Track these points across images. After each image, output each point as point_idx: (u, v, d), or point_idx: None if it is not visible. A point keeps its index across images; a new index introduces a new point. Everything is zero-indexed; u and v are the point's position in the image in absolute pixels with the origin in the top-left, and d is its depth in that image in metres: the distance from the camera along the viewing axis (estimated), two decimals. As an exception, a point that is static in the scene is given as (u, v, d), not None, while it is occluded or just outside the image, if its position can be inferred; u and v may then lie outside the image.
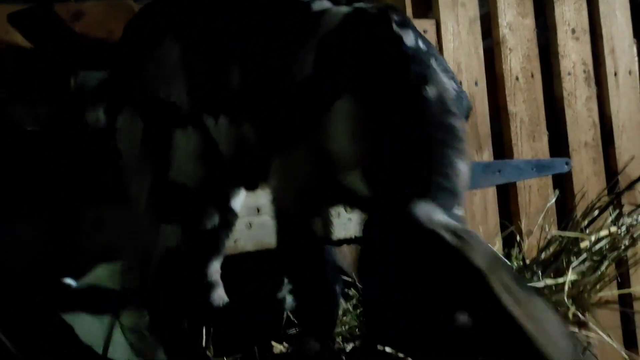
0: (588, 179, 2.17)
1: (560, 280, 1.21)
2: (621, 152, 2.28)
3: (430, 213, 0.89)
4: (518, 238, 1.64)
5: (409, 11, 1.95)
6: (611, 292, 1.90)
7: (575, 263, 1.24)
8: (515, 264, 1.38)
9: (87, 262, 1.39)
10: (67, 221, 1.34)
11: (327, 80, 0.99)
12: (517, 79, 2.11)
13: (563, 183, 2.14)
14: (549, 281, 1.22)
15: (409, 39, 0.97)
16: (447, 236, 0.84)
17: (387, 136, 0.94)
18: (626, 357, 1.99)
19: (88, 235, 1.39)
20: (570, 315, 1.22)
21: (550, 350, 0.78)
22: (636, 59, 2.42)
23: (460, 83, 1.80)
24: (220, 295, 1.27)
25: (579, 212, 1.57)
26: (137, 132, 1.16)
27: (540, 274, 1.25)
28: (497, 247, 1.86)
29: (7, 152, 1.36)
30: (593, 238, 1.29)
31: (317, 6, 1.06)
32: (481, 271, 0.81)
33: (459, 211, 0.96)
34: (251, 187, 1.23)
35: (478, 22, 2.07)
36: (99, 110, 1.27)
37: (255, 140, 1.10)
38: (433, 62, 0.98)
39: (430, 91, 0.95)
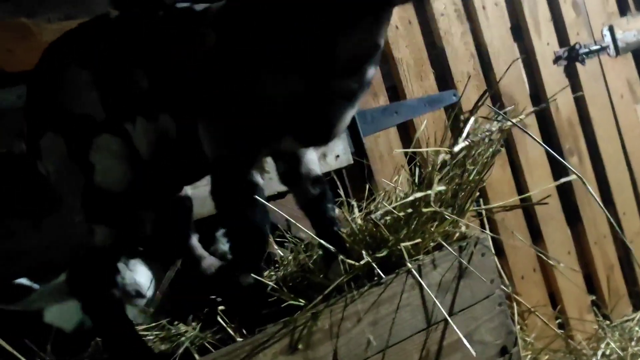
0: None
1: (429, 191, 1.39)
2: (500, 75, 2.55)
3: None
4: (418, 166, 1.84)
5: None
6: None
7: (438, 175, 1.43)
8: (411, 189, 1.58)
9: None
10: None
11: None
12: (397, 27, 2.32)
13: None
14: (418, 194, 1.39)
15: None
16: None
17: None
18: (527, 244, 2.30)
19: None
20: (449, 219, 1.42)
21: None
22: (500, -10, 2.69)
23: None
24: (209, 263, 1.46)
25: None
26: (62, 149, 1.29)
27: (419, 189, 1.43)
28: (405, 177, 2.10)
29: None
30: (456, 149, 1.49)
31: (198, 7, 1.28)
32: None
33: None
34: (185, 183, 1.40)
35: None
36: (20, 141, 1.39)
37: (173, 126, 1.26)
38: None
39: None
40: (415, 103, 2.27)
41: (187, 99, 1.24)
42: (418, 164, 1.82)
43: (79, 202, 1.29)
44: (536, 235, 2.57)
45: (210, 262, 1.48)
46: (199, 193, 1.57)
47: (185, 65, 1.23)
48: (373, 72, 1.22)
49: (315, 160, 1.42)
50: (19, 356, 1.09)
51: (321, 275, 1.41)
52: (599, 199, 2.52)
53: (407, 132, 2.30)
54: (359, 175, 2.11)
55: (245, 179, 1.24)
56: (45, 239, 1.50)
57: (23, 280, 1.56)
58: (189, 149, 1.28)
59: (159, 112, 1.27)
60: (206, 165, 1.27)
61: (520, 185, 2.55)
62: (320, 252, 1.51)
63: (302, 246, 1.64)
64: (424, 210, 1.38)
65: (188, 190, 1.47)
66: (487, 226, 1.65)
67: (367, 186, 1.84)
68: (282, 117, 1.16)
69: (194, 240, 1.49)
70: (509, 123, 1.61)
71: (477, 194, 1.55)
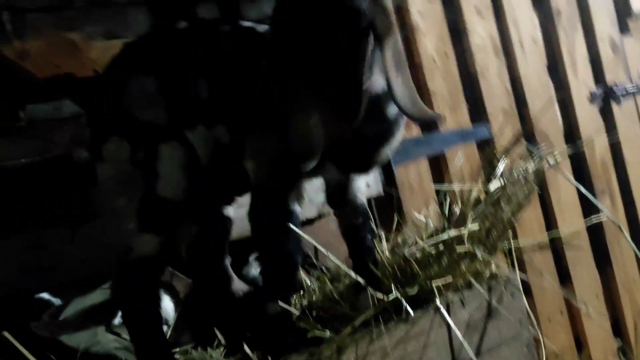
0: (508, 141, 2.41)
1: (463, 231, 1.38)
2: (535, 113, 2.54)
3: None
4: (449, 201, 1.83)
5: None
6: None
7: (472, 213, 1.42)
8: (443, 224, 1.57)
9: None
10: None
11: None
12: (433, 60, 2.33)
13: (487, 148, 2.37)
14: (452, 233, 1.38)
15: None
16: None
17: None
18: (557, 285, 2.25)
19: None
20: (481, 258, 1.40)
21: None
22: (538, 27, 2.68)
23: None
24: (238, 287, 1.47)
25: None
26: (126, 155, 1.31)
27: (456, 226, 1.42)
28: (434, 210, 2.09)
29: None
30: (492, 188, 1.48)
31: (260, 29, 1.31)
32: None
33: None
34: (232, 195, 1.42)
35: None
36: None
37: (227, 138, 1.28)
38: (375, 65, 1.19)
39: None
40: (447, 135, 2.26)
41: (239, 115, 1.26)
42: (448, 197, 1.80)
43: (134, 209, 1.30)
44: (564, 276, 2.52)
45: (238, 286, 1.47)
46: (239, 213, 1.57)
47: (240, 84, 1.25)
48: (394, 110, 1.23)
49: (362, 189, 1.42)
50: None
51: (347, 307, 1.39)
52: (631, 242, 2.46)
53: (438, 164, 2.29)
54: (387, 205, 2.09)
55: (283, 206, 1.24)
56: (79, 252, 1.51)
57: (43, 295, 1.57)
58: (237, 164, 1.29)
59: (216, 122, 1.29)
60: (248, 185, 1.28)
61: (550, 225, 2.51)
62: (347, 283, 1.50)
63: (329, 275, 1.63)
64: (458, 249, 1.37)
65: (230, 210, 1.46)
66: (516, 266, 1.62)
67: (396, 217, 1.83)
68: (323, 148, 1.16)
69: (227, 261, 1.49)
70: (546, 163, 1.60)
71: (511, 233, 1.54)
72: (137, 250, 1.28)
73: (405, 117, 1.24)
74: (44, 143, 1.91)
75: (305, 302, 1.55)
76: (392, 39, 1.13)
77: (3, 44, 1.58)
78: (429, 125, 2.27)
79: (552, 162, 1.61)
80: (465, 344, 1.35)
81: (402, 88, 1.14)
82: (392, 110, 1.22)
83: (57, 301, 1.60)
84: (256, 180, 1.27)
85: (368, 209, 1.43)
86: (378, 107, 1.20)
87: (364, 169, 1.32)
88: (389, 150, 1.29)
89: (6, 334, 1.10)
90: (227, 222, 1.47)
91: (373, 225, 1.43)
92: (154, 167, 1.28)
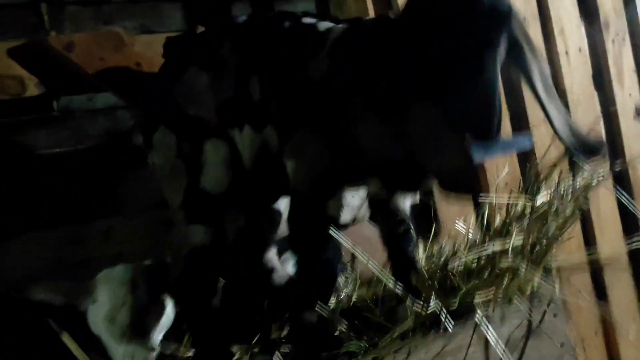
0: (550, 153, 2.34)
1: (507, 245, 1.34)
2: (578, 125, 2.46)
3: None
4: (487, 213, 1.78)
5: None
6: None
7: (516, 226, 1.37)
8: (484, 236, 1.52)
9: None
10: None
11: (341, 79, 1.13)
12: (476, 67, 2.27)
13: (527, 159, 2.31)
14: (496, 247, 1.34)
15: None
16: None
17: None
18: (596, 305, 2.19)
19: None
20: (524, 274, 1.36)
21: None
22: (585, 37, 2.61)
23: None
24: (281, 276, 1.45)
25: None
26: (172, 146, 1.32)
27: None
28: (472, 221, 2.04)
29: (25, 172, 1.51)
30: (538, 202, 1.43)
31: (322, 26, 1.25)
32: None
33: None
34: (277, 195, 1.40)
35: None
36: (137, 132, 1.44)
37: (275, 140, 1.25)
38: None
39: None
40: (487, 145, 2.20)
41: (289, 118, 1.24)
42: (488, 209, 1.75)
43: (179, 201, 1.32)
44: (602, 297, 2.44)
45: (282, 274, 1.44)
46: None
47: (295, 85, 1.22)
48: None
49: (406, 198, 1.38)
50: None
51: (382, 317, 1.36)
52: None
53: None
54: (423, 214, 2.05)
55: (322, 212, 1.21)
56: (115, 246, 1.51)
57: None
58: (283, 167, 1.27)
59: (265, 123, 1.26)
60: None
61: (589, 242, 2.43)
62: (382, 292, 1.47)
63: (364, 283, 1.59)
64: (501, 264, 1.32)
65: (282, 205, 1.45)
66: (557, 285, 1.57)
67: (433, 227, 1.79)
68: (370, 163, 1.12)
69: (272, 252, 1.46)
70: (594, 179, 1.54)
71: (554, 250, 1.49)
72: (189, 240, 1.30)
73: None
74: (78, 134, 1.93)
75: (338, 310, 1.53)
76: (539, 60, 1.07)
77: (42, 36, 1.59)
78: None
79: (601, 177, 1.56)
80: (506, 361, 1.30)
81: (559, 116, 1.07)
82: None
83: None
84: (294, 182, 1.24)
85: (411, 219, 1.39)
86: None
87: (411, 188, 1.25)
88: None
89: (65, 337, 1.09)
90: (276, 214, 1.44)
91: (414, 235, 1.39)
92: (198, 161, 1.28)
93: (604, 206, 2.48)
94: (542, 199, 1.46)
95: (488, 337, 1.30)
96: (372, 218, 1.41)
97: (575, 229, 2.40)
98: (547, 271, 1.56)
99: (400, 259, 1.36)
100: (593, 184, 1.55)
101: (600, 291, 2.45)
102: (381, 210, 1.37)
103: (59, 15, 1.89)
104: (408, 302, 1.27)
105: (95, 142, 1.98)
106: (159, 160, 1.36)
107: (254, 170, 1.29)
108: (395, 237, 1.36)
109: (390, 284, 1.31)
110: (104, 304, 1.34)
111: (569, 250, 2.28)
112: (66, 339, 1.11)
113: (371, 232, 1.74)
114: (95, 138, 2.08)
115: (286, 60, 1.24)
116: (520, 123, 2.37)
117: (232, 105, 1.28)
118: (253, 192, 1.34)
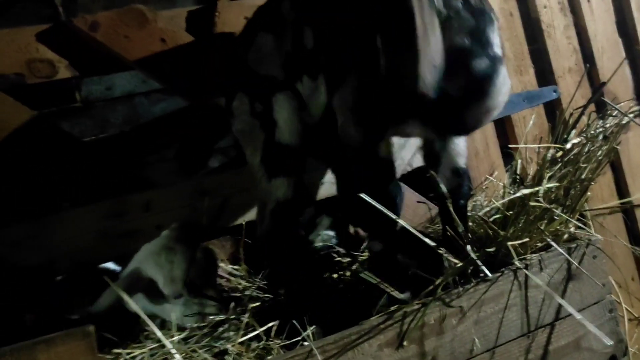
0: (576, 101, 2.31)
1: (538, 187, 1.33)
2: (604, 72, 2.42)
3: None
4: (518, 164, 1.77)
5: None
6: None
7: (548, 172, 1.36)
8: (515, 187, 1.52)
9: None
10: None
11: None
12: (497, 20, 2.24)
13: (554, 109, 2.29)
14: (526, 190, 1.33)
15: None
16: None
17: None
18: (632, 248, 2.17)
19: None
20: (559, 218, 1.35)
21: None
22: (606, -18, 2.55)
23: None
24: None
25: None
26: (246, 108, 1.42)
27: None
28: (501, 174, 2.03)
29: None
30: (568, 146, 1.41)
31: None
32: None
33: None
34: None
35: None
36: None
37: (324, 89, 1.30)
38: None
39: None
40: (514, 98, 2.18)
41: (338, 65, 1.25)
42: (518, 161, 1.75)
43: (259, 158, 1.40)
44: (636, 243, 2.42)
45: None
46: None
47: (344, 33, 1.23)
48: (483, 64, 1.16)
49: (461, 152, 1.37)
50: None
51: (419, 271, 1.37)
52: None
53: (503, 128, 2.22)
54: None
55: (376, 155, 1.23)
56: (155, 217, 1.55)
57: (109, 265, 1.61)
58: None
59: (318, 73, 1.31)
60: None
61: (621, 188, 2.41)
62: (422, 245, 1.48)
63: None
64: (532, 204, 1.32)
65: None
66: (592, 228, 1.56)
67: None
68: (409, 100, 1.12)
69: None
70: (626, 119, 1.53)
71: (589, 193, 1.48)
72: (273, 196, 1.37)
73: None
74: (100, 122, 1.97)
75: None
76: None
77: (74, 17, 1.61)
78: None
79: (633, 116, 1.54)
80: (557, 298, 1.31)
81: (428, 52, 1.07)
82: (479, 64, 1.15)
83: (118, 269, 1.64)
84: (341, 127, 1.25)
85: (465, 174, 1.38)
86: (461, 62, 1.14)
87: (458, 130, 1.24)
88: (484, 109, 1.18)
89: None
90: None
91: (469, 190, 1.38)
92: (271, 117, 1.36)
93: (635, 155, 2.45)
94: (573, 142, 1.45)
95: (533, 280, 1.31)
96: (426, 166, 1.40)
97: (607, 177, 2.38)
98: (582, 216, 1.56)
99: (449, 214, 1.33)
100: (622, 123, 1.53)
101: (636, 237, 2.43)
102: (432, 161, 1.38)
103: (71, 6, 1.91)
104: (446, 256, 1.28)
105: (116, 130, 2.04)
106: (239, 125, 1.45)
107: (321, 122, 1.34)
108: (449, 191, 1.33)
109: (428, 242, 1.29)
110: (156, 275, 1.39)
111: (602, 199, 2.27)
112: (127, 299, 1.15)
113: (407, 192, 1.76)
114: (116, 126, 2.13)
115: (336, 10, 1.26)
116: (545, 75, 2.34)
117: (292, 57, 1.34)
118: (322, 142, 1.39)
